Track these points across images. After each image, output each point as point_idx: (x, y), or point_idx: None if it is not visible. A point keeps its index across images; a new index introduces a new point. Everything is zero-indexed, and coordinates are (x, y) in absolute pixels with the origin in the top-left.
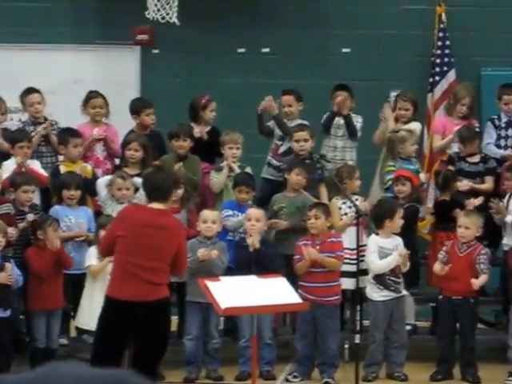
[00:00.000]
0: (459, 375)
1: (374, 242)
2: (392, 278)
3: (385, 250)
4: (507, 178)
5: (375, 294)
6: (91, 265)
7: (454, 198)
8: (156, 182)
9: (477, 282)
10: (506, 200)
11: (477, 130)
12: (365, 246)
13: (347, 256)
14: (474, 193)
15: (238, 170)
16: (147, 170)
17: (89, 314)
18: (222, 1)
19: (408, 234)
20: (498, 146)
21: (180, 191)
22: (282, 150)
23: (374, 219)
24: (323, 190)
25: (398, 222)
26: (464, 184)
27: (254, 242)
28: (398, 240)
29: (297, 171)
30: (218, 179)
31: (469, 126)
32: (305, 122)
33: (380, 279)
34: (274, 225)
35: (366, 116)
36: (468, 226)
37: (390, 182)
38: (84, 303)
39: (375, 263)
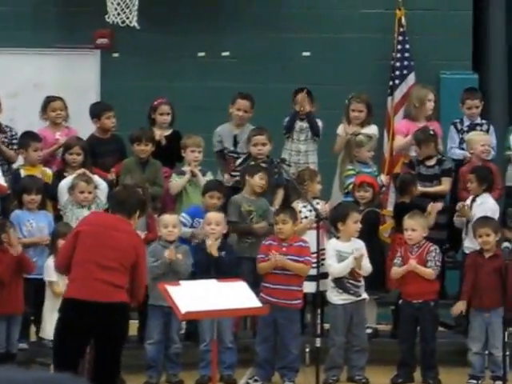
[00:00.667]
0: (420, 378)
1: (332, 246)
2: (351, 281)
3: (344, 254)
4: (470, 181)
5: (335, 297)
6: (53, 282)
7: (415, 202)
8: (120, 198)
9: (412, 263)
10: (469, 202)
11: (431, 132)
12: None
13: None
14: (433, 196)
15: (200, 175)
16: (116, 188)
17: (52, 326)
18: (182, 5)
19: (370, 238)
20: (462, 150)
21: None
22: (238, 161)
23: (331, 223)
24: (280, 195)
25: (352, 226)
26: (430, 208)
27: (212, 249)
28: (360, 244)
29: (261, 175)
30: (176, 182)
31: (424, 128)
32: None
33: (339, 283)
34: (261, 230)
35: (327, 119)
36: (414, 227)
37: (350, 186)
38: (46, 316)
39: (333, 267)
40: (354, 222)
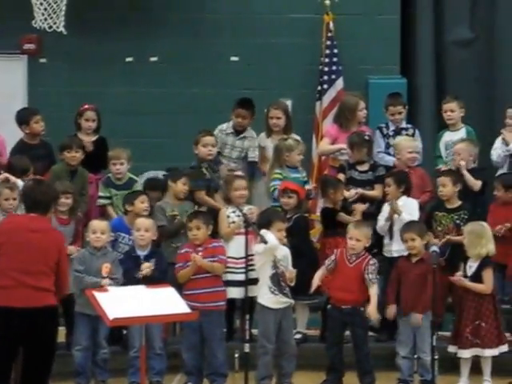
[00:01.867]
0: (353, 382)
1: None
2: (282, 283)
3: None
4: (388, 184)
5: (264, 301)
6: None
7: (343, 205)
8: (35, 197)
9: (372, 311)
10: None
11: (366, 137)
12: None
13: (233, 265)
14: (366, 202)
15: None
16: (27, 183)
17: None
18: (109, 10)
19: (301, 244)
20: (388, 154)
21: (69, 201)
22: None
23: (258, 228)
24: (219, 199)
25: (276, 234)
26: (352, 193)
27: (147, 271)
28: (286, 251)
29: (183, 180)
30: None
31: (359, 132)
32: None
33: (274, 281)
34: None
35: (256, 124)
36: (358, 237)
37: (275, 189)
38: None
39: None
40: (277, 231)
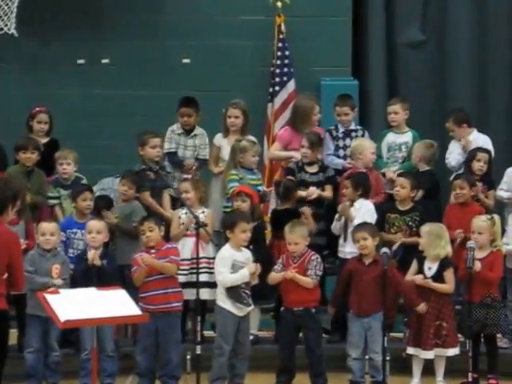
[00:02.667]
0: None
1: (228, 254)
2: (246, 291)
3: (239, 263)
4: (345, 187)
5: (224, 304)
6: None
7: (291, 208)
8: None
9: (290, 273)
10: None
11: (322, 136)
12: (206, 258)
13: (185, 267)
14: (316, 203)
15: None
16: None
17: None
18: (61, 12)
19: (258, 252)
20: (338, 157)
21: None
22: None
23: (223, 228)
24: (166, 198)
25: (240, 235)
26: (310, 191)
27: (93, 257)
28: (248, 254)
29: (123, 182)
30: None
31: (315, 132)
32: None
33: (233, 292)
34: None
35: (207, 126)
36: (296, 241)
37: (231, 190)
38: None
39: (224, 276)
40: (241, 232)
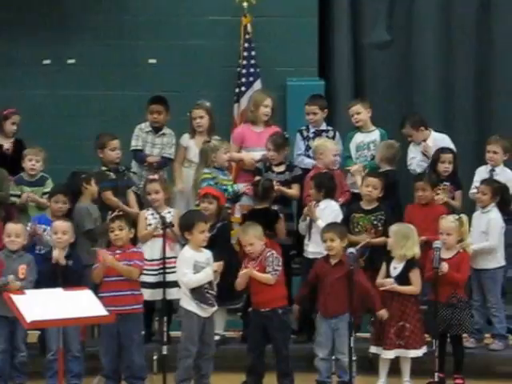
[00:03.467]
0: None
1: (188, 255)
2: (210, 291)
3: (200, 264)
4: (310, 187)
5: (189, 306)
6: None
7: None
8: None
9: (248, 270)
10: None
11: (287, 136)
12: (172, 258)
13: (150, 267)
14: (284, 203)
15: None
16: None
17: None
18: (27, 12)
19: (224, 252)
20: (308, 157)
21: None
22: None
23: (180, 230)
24: (132, 197)
25: (199, 236)
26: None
27: (59, 257)
28: (209, 254)
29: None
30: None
31: (280, 133)
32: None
33: (197, 293)
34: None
35: (175, 127)
36: (250, 241)
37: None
38: None
39: (189, 276)
40: (200, 232)
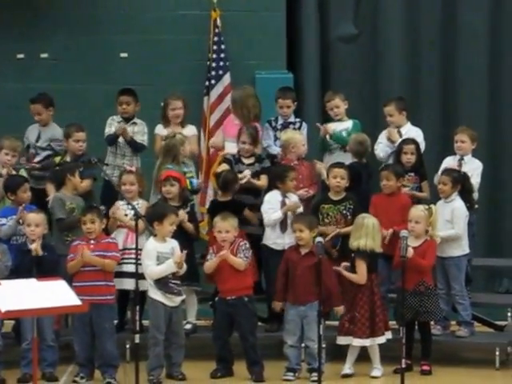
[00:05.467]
0: (243, 371)
1: (151, 246)
2: (173, 281)
3: (164, 255)
4: None
5: (155, 295)
6: None
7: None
8: None
9: (224, 253)
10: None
11: (259, 130)
12: (132, 249)
13: (124, 256)
14: (254, 193)
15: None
16: None
17: None
18: (0, 8)
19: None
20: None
21: None
22: (37, 158)
23: (148, 222)
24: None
25: (168, 227)
26: (245, 173)
27: (36, 248)
28: (174, 243)
29: (78, 173)
30: None
31: (254, 126)
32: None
33: (162, 284)
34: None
35: (147, 119)
36: (228, 229)
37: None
38: None
39: (151, 268)
40: (169, 224)
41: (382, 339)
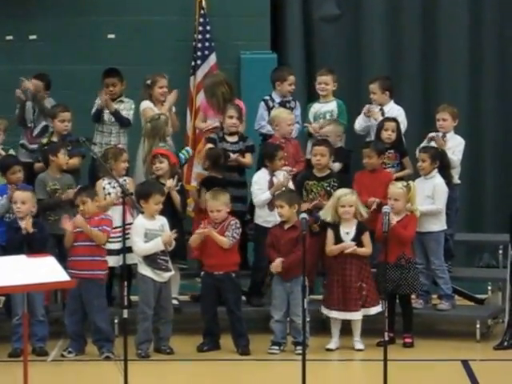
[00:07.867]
0: (229, 344)
1: (139, 223)
2: (162, 257)
3: (152, 232)
4: None
5: (145, 271)
6: None
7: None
8: None
9: (208, 230)
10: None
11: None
12: (131, 224)
13: (117, 234)
14: (238, 170)
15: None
16: None
17: None
18: None
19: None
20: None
21: None
22: (35, 132)
23: (136, 197)
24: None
25: (154, 206)
26: (232, 157)
27: (27, 225)
28: (163, 220)
29: (63, 152)
30: None
31: (237, 104)
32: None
33: (150, 260)
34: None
35: (133, 98)
36: (219, 208)
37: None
38: None
39: (139, 245)
40: (155, 203)
41: (377, 309)
